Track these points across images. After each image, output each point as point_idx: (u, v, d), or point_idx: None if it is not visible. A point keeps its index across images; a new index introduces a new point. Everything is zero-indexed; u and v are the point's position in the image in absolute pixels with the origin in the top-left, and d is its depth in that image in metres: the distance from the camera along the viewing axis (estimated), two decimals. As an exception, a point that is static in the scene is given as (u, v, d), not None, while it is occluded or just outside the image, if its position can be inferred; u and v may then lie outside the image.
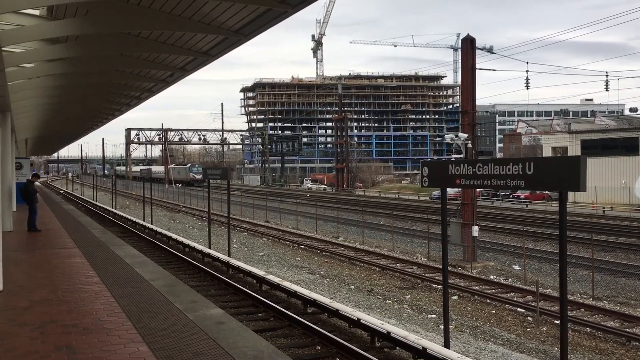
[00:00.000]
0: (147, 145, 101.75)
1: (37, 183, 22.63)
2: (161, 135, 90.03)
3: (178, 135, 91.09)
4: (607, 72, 45.89)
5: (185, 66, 17.09)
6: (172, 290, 9.40)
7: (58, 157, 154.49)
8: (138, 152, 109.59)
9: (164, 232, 24.70)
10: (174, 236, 23.14)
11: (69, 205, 35.98)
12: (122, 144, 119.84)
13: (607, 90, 46.71)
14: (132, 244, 19.25)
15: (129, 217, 32.11)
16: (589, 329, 13.53)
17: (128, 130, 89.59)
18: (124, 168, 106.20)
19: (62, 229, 19.45)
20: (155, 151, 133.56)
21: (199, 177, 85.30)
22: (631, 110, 64.33)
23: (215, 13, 11.53)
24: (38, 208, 19.10)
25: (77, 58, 15.72)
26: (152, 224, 28.65)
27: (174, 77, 19.01)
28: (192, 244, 20.75)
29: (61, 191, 67.95)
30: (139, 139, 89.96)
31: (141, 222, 29.25)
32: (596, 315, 14.60)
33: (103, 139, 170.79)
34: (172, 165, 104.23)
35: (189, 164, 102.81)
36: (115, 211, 36.53)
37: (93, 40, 14.25)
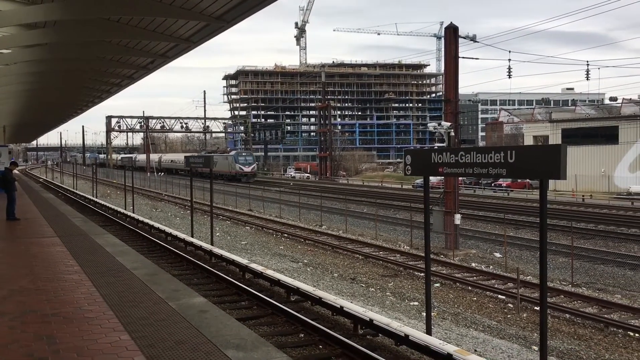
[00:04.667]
0: (128, 133, 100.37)
1: (15, 171, 22.28)
2: (142, 123, 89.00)
3: (160, 123, 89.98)
4: (587, 62, 46.28)
5: (167, 53, 16.92)
6: (154, 279, 9.34)
7: (37, 144, 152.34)
8: (119, 140, 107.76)
9: (146, 220, 24.51)
10: (156, 225, 22.98)
11: (48, 193, 35.53)
12: (102, 132, 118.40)
13: (587, 79, 47.12)
14: (114, 232, 19.07)
15: (110, 205, 31.81)
16: (568, 315, 13.73)
17: (108, 118, 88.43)
18: (115, 156, 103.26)
19: (42, 217, 19.21)
20: (137, 139, 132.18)
21: (248, 169, 67.87)
22: (611, 99, 65.09)
23: (197, -1, 11.41)
24: (17, 196, 18.84)
25: (56, 44, 15.49)
26: (133, 212, 28.41)
27: (155, 64, 18.83)
28: (175, 232, 20.63)
29: (40, 179, 67.07)
30: (119, 126, 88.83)
31: (123, 210, 28.99)
32: (575, 302, 14.82)
33: (83, 126, 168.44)
34: (203, 153, 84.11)
35: (234, 152, 75.54)
36: (96, 200, 36.16)
37: (72, 25, 14.02)
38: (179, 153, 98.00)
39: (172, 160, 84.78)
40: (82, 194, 40.92)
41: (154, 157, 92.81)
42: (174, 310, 7.41)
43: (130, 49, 16.90)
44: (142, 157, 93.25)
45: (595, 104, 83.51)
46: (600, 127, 53.05)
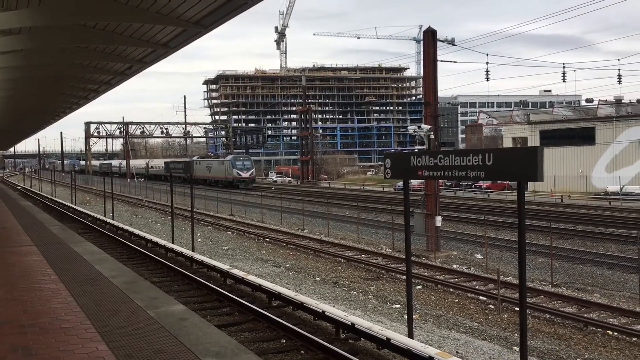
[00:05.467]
0: (108, 139, 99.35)
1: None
2: (122, 129, 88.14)
3: (140, 128, 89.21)
4: (564, 64, 47.02)
5: (144, 58, 16.78)
6: (133, 287, 9.23)
7: (15, 152, 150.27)
8: (98, 146, 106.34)
9: (126, 227, 24.26)
10: (136, 231, 22.75)
11: (26, 201, 35.01)
12: (81, 138, 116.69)
13: (564, 81, 47.81)
14: (92, 240, 18.85)
15: (89, 212, 31.42)
16: (548, 315, 13.86)
17: (87, 124, 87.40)
18: (96, 163, 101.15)
19: (19, 226, 18.91)
20: (117, 145, 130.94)
21: (246, 175, 64.07)
22: (587, 100, 66.06)
23: (174, 4, 11.33)
24: (-7, 205, 18.52)
25: (31, 50, 15.27)
26: (113, 219, 28.10)
27: (133, 69, 18.67)
28: (155, 239, 20.44)
29: (18, 187, 66.07)
30: (99, 132, 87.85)
31: (102, 217, 28.66)
32: (555, 302, 14.96)
33: (61, 133, 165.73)
34: (196, 158, 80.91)
35: (231, 156, 70.45)
36: (75, 207, 35.70)
37: (47, 31, 13.84)
38: (169, 158, 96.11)
39: (154, 166, 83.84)
40: (60, 201, 40.39)
41: (141, 162, 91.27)
42: (153, 319, 7.32)
43: (108, 54, 16.75)
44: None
45: (572, 105, 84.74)
46: (577, 128, 53.83)
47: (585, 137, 52.05)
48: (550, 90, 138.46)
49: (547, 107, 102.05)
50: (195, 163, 71.06)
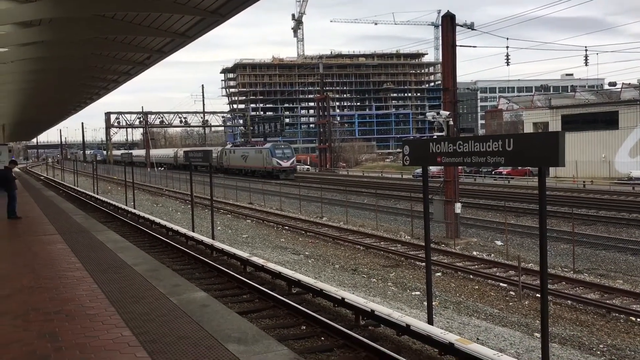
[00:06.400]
0: (128, 129, 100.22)
1: (15, 169, 22.27)
2: (141, 119, 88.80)
3: (159, 118, 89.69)
4: (586, 47, 46.30)
5: (163, 48, 16.87)
6: (155, 275, 9.36)
7: (37, 142, 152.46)
8: (118, 136, 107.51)
9: (147, 216, 24.52)
10: (157, 220, 22.98)
11: (49, 191, 35.55)
12: (102, 128, 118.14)
13: (586, 65, 47.09)
14: (115, 229, 19.09)
15: (111, 202, 31.81)
16: (570, 302, 13.76)
17: (107, 114, 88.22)
18: (117, 152, 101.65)
19: (43, 215, 19.23)
20: (136, 135, 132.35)
21: (287, 164, 59.57)
22: (610, 84, 64.97)
23: (191, -7, 11.35)
24: (17, 195, 18.84)
25: (52, 41, 15.45)
26: (134, 208, 28.41)
27: (152, 59, 18.79)
28: (176, 227, 20.63)
29: (41, 177, 67.08)
30: (119, 122, 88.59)
31: (123, 206, 29.00)
32: (577, 288, 14.84)
33: (82, 123, 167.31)
34: (230, 146, 76.62)
35: (269, 144, 63.86)
36: (97, 196, 36.16)
37: (67, 23, 13.98)
38: (197, 147, 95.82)
39: (182, 156, 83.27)
40: (83, 190, 40.92)
41: (169, 152, 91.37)
42: (175, 306, 7.43)
43: (126, 45, 16.87)
44: (154, 152, 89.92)
45: (595, 89, 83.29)
46: (600, 112, 52.91)
47: (608, 121, 51.15)
48: (572, 74, 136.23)
49: (569, 91, 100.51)
50: (229, 152, 68.50)
